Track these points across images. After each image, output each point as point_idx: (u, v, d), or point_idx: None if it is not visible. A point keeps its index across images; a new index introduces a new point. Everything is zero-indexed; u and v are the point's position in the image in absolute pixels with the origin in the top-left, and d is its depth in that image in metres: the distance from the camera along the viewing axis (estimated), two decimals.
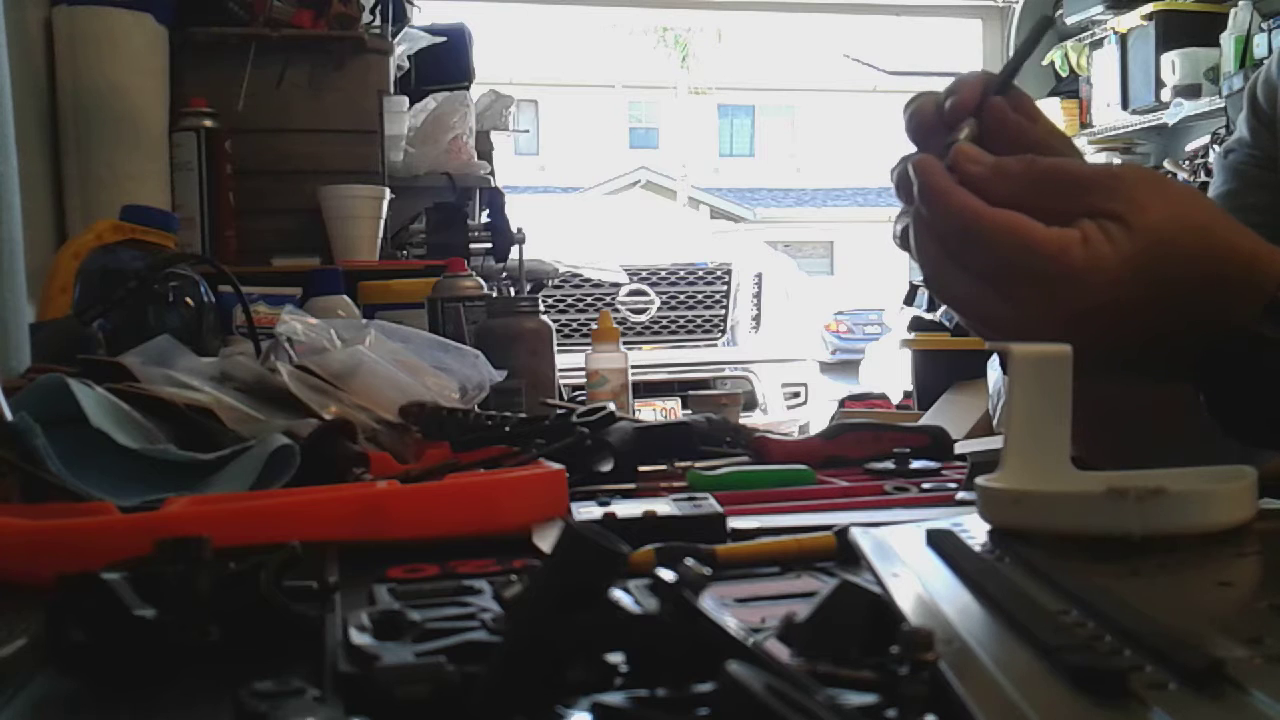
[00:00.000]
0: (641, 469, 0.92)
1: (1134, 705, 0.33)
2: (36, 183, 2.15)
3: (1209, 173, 4.41)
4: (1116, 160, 5.27)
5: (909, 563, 0.50)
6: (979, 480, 0.59)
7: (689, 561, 0.39)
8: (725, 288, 5.24)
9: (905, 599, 0.44)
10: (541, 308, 1.60)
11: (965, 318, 0.67)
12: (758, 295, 5.31)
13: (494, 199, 2.92)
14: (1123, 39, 4.96)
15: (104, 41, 2.30)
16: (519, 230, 2.81)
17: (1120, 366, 0.67)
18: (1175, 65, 4.64)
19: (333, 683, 0.41)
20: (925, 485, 0.86)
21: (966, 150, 0.66)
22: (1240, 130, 1.14)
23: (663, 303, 5.14)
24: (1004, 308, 0.64)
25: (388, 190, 2.58)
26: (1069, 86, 5.40)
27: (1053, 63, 5.41)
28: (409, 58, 3.10)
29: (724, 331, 5.23)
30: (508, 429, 0.97)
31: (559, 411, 1.03)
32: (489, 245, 2.79)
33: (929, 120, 0.70)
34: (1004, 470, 0.60)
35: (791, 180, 25.24)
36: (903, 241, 0.70)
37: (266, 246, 2.46)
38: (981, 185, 0.64)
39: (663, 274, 5.17)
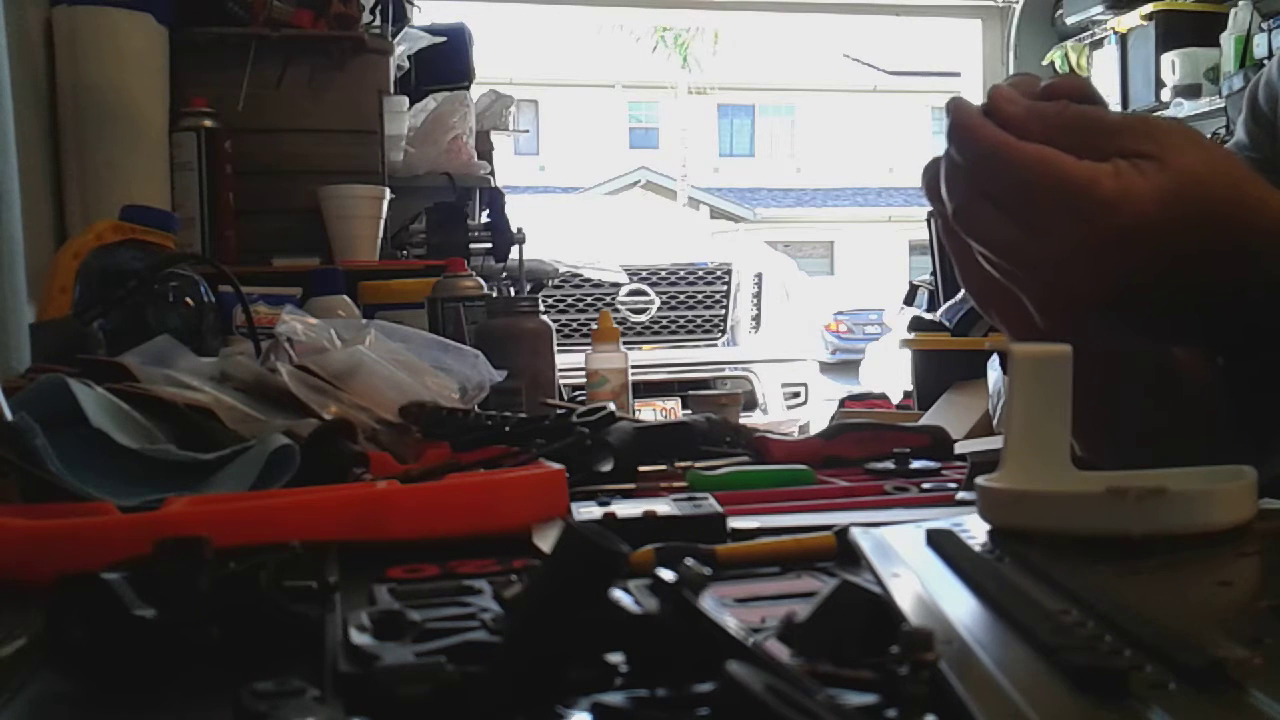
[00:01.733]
0: (641, 469, 0.92)
1: (1134, 705, 0.33)
2: (36, 182, 2.15)
3: None
4: None
5: (909, 563, 0.50)
6: (979, 480, 0.59)
7: (689, 561, 0.39)
8: (725, 288, 5.24)
9: (905, 599, 0.44)
10: (541, 308, 1.60)
11: (991, 253, 0.67)
12: (758, 295, 5.31)
13: (494, 199, 2.91)
14: (1123, 39, 4.96)
15: (104, 41, 2.30)
16: (519, 230, 2.81)
17: (1142, 318, 0.67)
18: (1175, 65, 4.65)
19: (333, 683, 0.41)
20: (925, 485, 0.86)
21: (1004, 91, 0.67)
22: (1239, 134, 1.13)
23: (663, 303, 5.14)
24: (1031, 239, 0.64)
25: (388, 190, 2.58)
26: None
27: (1053, 63, 5.42)
28: (409, 58, 3.10)
29: (724, 331, 5.23)
30: (508, 429, 0.97)
31: (559, 411, 1.03)
32: (489, 245, 2.79)
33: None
34: (1004, 470, 0.60)
35: (791, 180, 25.24)
36: (929, 184, 0.70)
37: (266, 246, 2.46)
38: (1016, 125, 0.65)
39: (663, 274, 5.17)
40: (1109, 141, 0.64)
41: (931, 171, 0.70)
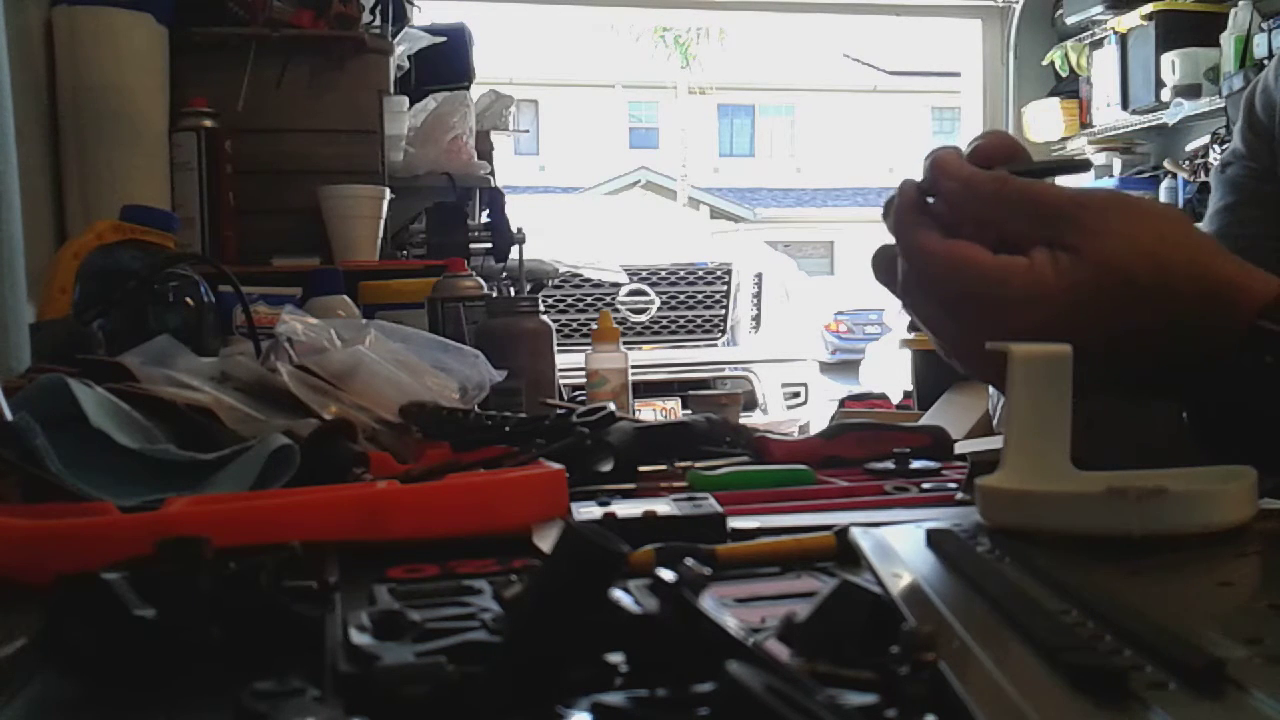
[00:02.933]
0: (641, 469, 0.92)
1: (1134, 705, 0.33)
2: (36, 182, 2.15)
3: (1208, 171, 4.42)
4: (1117, 161, 5.28)
5: (909, 563, 0.50)
6: (979, 480, 0.59)
7: (689, 561, 0.39)
8: (725, 288, 5.24)
9: (905, 599, 0.44)
10: (541, 308, 1.60)
11: (927, 332, 0.71)
12: (758, 295, 5.31)
13: (494, 199, 2.91)
14: (1123, 39, 4.96)
15: (104, 41, 2.30)
16: (519, 230, 2.81)
17: (1103, 380, 0.67)
18: (1175, 65, 4.65)
19: (333, 683, 0.41)
20: (925, 485, 0.86)
21: (944, 162, 0.69)
22: (1236, 143, 1.13)
23: (663, 303, 5.14)
24: (953, 327, 0.68)
25: (388, 190, 2.58)
26: (1069, 86, 5.40)
27: (1053, 63, 5.42)
28: (409, 58, 3.10)
29: (724, 331, 5.23)
30: (508, 429, 0.97)
31: (559, 411, 1.03)
32: (489, 245, 2.79)
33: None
34: (1004, 470, 0.60)
35: (791, 180, 25.24)
36: (877, 267, 0.74)
37: (266, 246, 2.46)
38: (953, 200, 0.68)
39: (663, 274, 5.17)
40: (1038, 225, 0.66)
41: (880, 256, 0.73)
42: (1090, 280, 0.64)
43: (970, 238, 0.67)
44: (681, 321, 5.19)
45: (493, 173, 3.14)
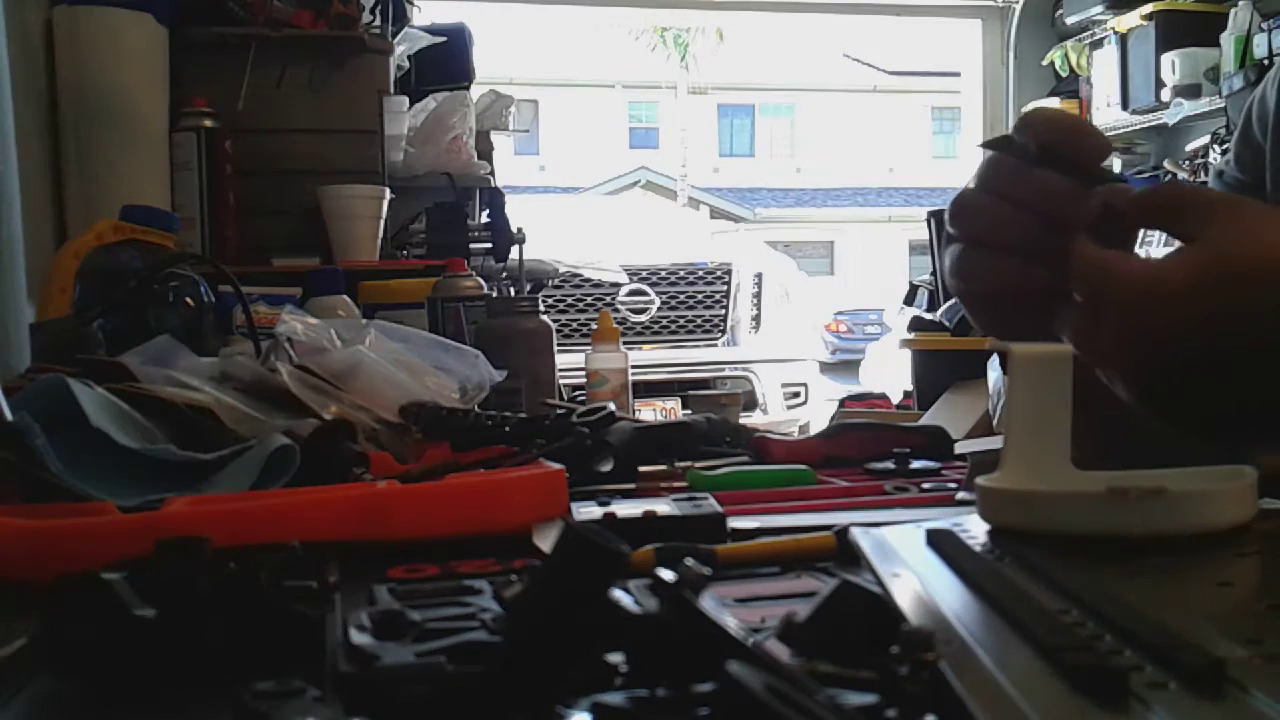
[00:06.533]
0: (641, 469, 0.92)
1: (1134, 705, 0.33)
2: (36, 182, 2.15)
3: (1208, 171, 4.42)
4: (1117, 161, 5.28)
5: (909, 563, 0.50)
6: (979, 480, 0.59)
7: (689, 561, 0.39)
8: (725, 288, 5.24)
9: (905, 599, 0.44)
10: (541, 308, 1.60)
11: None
12: (758, 295, 5.31)
13: (494, 199, 2.91)
14: (1123, 39, 4.96)
15: (104, 41, 2.30)
16: (519, 230, 2.81)
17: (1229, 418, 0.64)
18: (1175, 65, 4.65)
19: (333, 683, 0.41)
20: (925, 485, 0.86)
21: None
22: (1234, 152, 1.13)
23: (663, 303, 5.14)
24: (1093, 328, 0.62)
25: (388, 190, 2.58)
26: (1069, 86, 5.40)
27: (1053, 63, 5.42)
28: (409, 58, 3.10)
29: (724, 331, 5.23)
30: (508, 429, 0.97)
31: (559, 411, 1.03)
32: (489, 245, 2.79)
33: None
34: (1004, 470, 0.60)
35: (791, 180, 25.23)
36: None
37: (266, 246, 2.46)
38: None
39: (663, 274, 5.17)
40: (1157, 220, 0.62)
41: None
42: (1210, 263, 0.59)
43: None
44: (681, 321, 5.19)
45: (493, 173, 3.14)
